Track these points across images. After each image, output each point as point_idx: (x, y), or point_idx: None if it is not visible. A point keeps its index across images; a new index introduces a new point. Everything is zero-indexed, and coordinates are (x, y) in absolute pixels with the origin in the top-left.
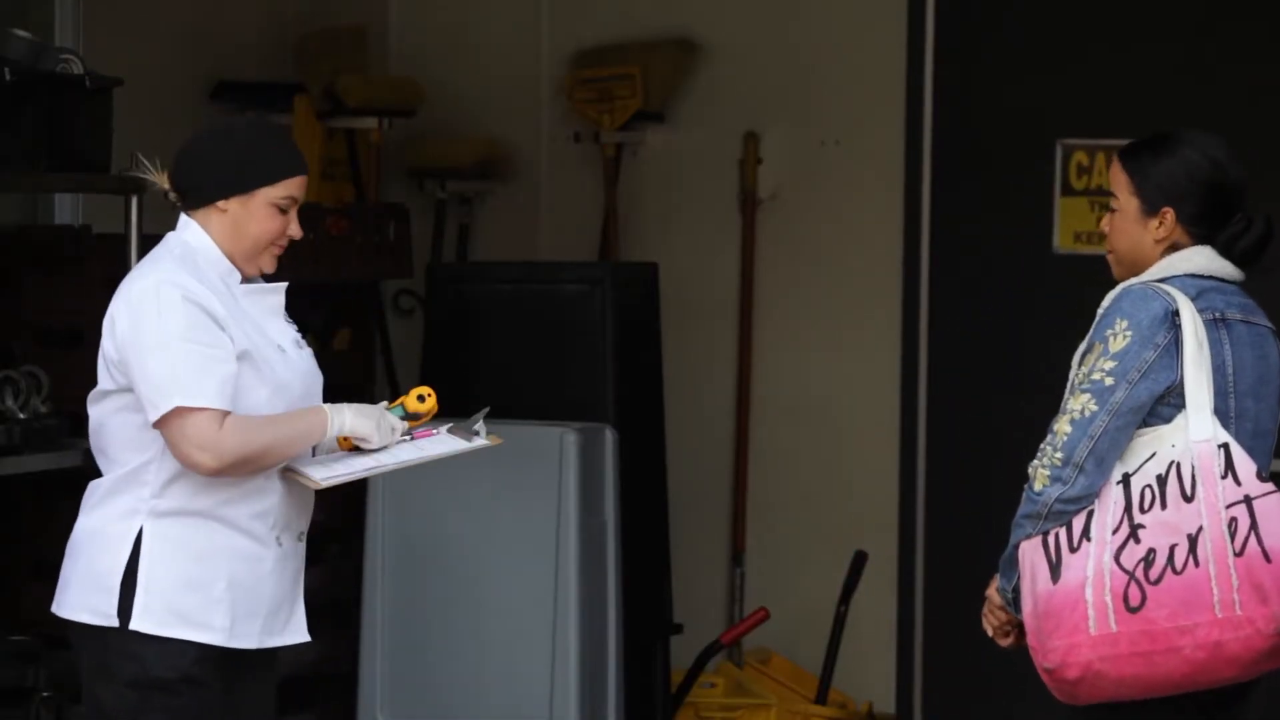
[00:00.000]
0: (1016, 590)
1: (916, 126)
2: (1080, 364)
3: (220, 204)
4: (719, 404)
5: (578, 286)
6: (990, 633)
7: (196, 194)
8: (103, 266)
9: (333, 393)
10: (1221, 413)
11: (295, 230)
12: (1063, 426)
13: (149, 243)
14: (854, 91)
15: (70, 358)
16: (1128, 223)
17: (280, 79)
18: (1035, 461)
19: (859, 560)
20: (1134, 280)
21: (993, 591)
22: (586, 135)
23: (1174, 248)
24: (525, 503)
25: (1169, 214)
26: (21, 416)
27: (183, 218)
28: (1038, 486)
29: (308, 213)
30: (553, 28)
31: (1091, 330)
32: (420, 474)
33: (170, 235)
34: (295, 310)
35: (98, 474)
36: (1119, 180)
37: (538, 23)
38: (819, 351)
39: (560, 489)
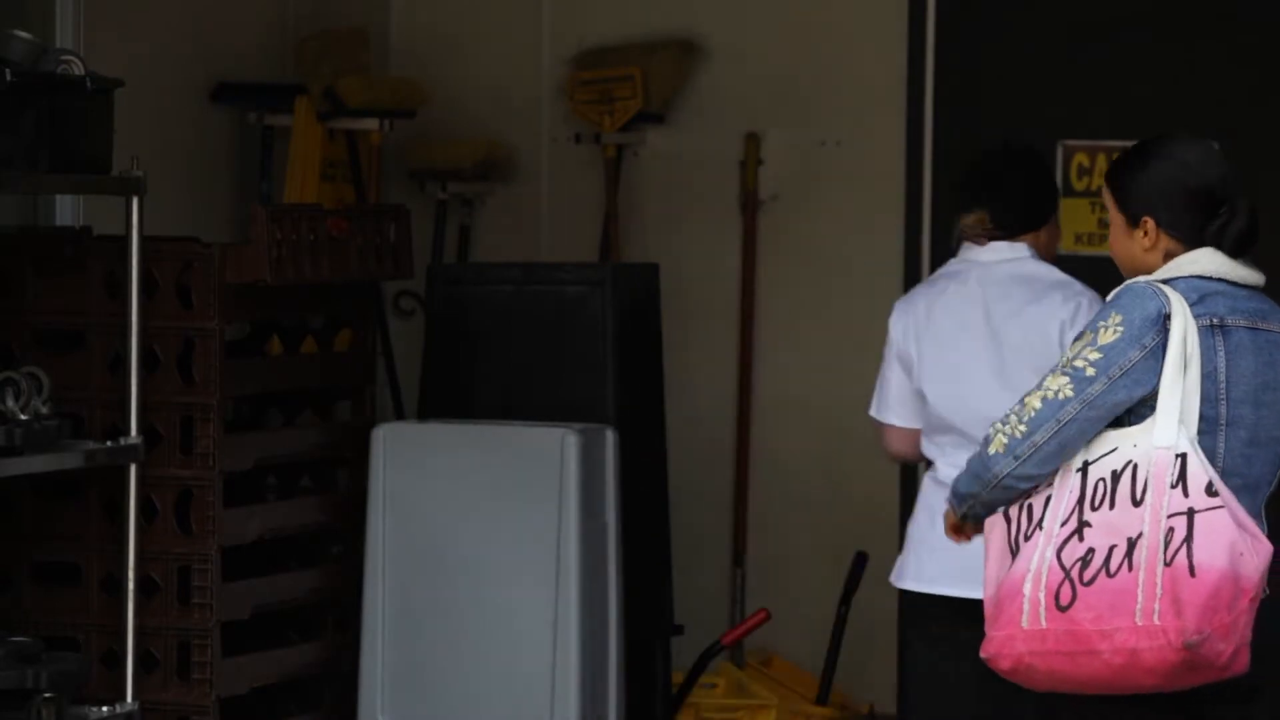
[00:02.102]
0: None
1: (916, 126)
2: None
3: (1047, 225)
4: (719, 404)
5: (578, 287)
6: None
7: (1038, 219)
8: (103, 267)
9: (333, 394)
10: (1210, 419)
11: None
12: (1033, 401)
13: (149, 244)
14: (854, 91)
15: (71, 359)
16: (1118, 237)
17: (280, 80)
18: (998, 424)
19: (859, 561)
20: (1142, 278)
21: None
22: (587, 136)
23: (1170, 254)
24: (526, 504)
25: (1149, 223)
26: (22, 417)
27: (997, 244)
28: (991, 450)
29: (307, 214)
30: (553, 29)
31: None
32: (421, 474)
33: (1015, 258)
34: (295, 311)
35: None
36: (1107, 197)
37: (538, 24)
38: (820, 351)
39: (561, 490)
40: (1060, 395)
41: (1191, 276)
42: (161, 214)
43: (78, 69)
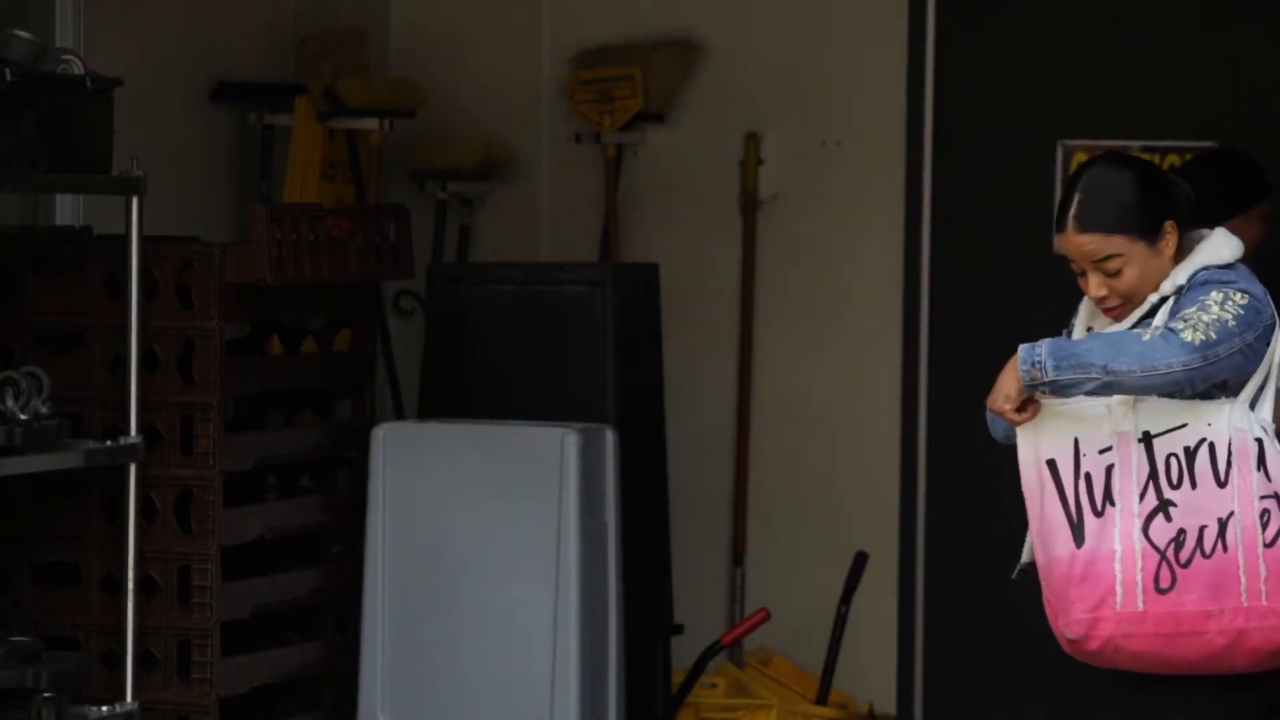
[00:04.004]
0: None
1: (916, 126)
2: (1196, 302)
3: None
4: (719, 404)
5: (578, 287)
6: (1005, 406)
7: None
8: (103, 267)
9: (333, 394)
10: None
11: None
12: (1209, 318)
13: (149, 244)
14: (854, 91)
15: (71, 358)
16: (1144, 265)
17: (280, 79)
18: (1175, 324)
19: (859, 561)
20: (1206, 265)
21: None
22: (587, 136)
23: (1179, 248)
24: (525, 503)
25: (1170, 225)
26: (22, 417)
27: None
28: (1187, 336)
29: (307, 213)
30: (553, 28)
31: (1185, 299)
32: (421, 474)
33: None
34: (295, 311)
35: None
36: (1109, 242)
37: (538, 23)
38: (819, 351)
39: (561, 490)
40: (1230, 325)
41: (1238, 263)
42: (161, 214)
43: (78, 69)
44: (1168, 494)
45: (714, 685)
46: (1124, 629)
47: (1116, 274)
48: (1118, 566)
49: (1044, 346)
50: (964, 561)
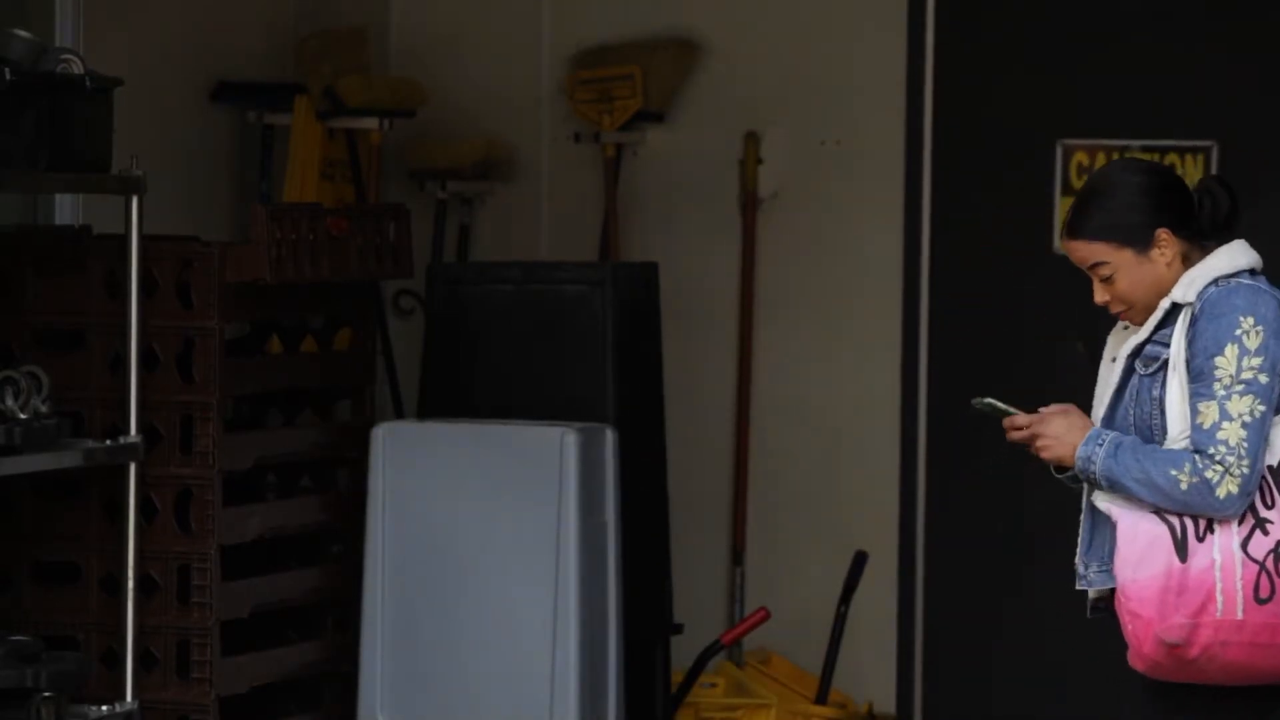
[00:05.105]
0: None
1: (916, 126)
2: (1208, 369)
3: None
4: (719, 404)
5: (578, 286)
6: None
7: None
8: (103, 266)
9: (333, 394)
10: None
11: None
12: (1234, 433)
13: (149, 243)
14: (854, 91)
15: (70, 358)
16: (1131, 273)
17: (280, 79)
18: (1209, 464)
19: (859, 560)
20: (1216, 277)
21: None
22: (587, 135)
23: (1185, 256)
24: (525, 503)
25: (1165, 234)
26: (22, 416)
27: None
28: (1222, 494)
29: (307, 213)
30: (553, 28)
31: (1200, 334)
32: (421, 474)
33: None
34: (295, 310)
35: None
36: (1092, 250)
37: (538, 23)
38: (819, 351)
39: (560, 489)
40: (1256, 414)
41: (1248, 271)
42: (161, 214)
43: (77, 68)
44: (1263, 514)
45: (714, 685)
46: (1222, 636)
47: (1109, 280)
48: (1217, 574)
49: (1100, 459)
50: (964, 561)
